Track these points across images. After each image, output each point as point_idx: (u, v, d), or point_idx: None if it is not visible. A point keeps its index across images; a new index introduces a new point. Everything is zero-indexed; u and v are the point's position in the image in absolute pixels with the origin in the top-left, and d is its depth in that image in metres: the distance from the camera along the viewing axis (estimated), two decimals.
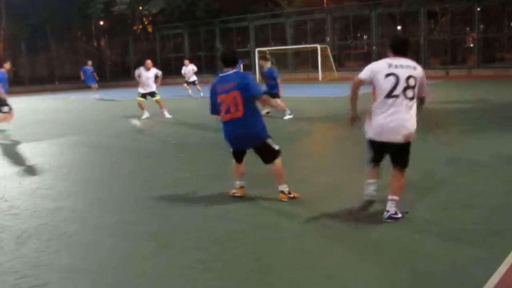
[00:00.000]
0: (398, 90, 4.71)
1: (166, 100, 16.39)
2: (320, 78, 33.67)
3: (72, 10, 42.21)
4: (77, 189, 6.66)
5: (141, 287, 3.67)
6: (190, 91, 24.12)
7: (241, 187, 5.87)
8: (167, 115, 14.74)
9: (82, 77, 25.52)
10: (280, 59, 35.91)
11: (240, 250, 4.26)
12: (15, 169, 8.19)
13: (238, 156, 5.78)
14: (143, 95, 14.72)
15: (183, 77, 24.73)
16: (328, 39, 36.33)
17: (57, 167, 8.29)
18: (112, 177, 7.33)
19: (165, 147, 9.83)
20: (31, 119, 16.59)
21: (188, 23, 41.71)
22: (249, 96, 5.40)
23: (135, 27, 47.73)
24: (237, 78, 5.43)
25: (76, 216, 5.44)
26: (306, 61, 37.41)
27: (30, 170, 8.03)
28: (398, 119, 4.71)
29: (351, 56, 39.69)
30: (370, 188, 5.29)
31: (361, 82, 4.93)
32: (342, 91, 24.27)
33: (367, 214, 5.04)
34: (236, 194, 5.83)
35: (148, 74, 14.71)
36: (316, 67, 34.17)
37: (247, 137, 5.51)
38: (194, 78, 24.51)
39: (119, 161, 8.58)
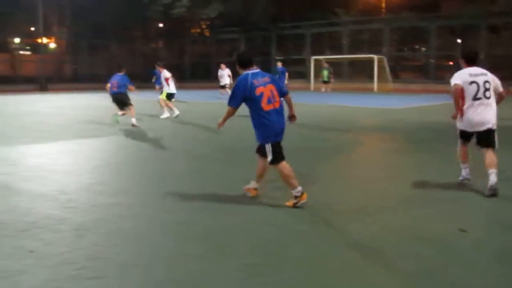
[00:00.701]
0: (480, 94, 6.28)
1: (202, 103, 16.59)
2: (375, 89, 33.36)
3: (133, 12, 43.36)
4: (131, 186, 6.86)
5: (189, 286, 3.78)
6: (222, 96, 24.72)
7: (303, 192, 5.84)
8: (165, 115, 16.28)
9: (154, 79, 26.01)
10: (335, 68, 35.83)
11: (286, 254, 4.31)
12: (73, 164, 8.51)
13: (282, 151, 5.94)
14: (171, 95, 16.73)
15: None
16: (384, 49, 35.94)
17: (113, 164, 8.58)
18: (165, 176, 7.51)
19: (215, 150, 10.00)
20: (90, 115, 17.17)
21: (245, 29, 42.13)
22: (281, 90, 6.00)
23: (192, 31, 48.57)
24: (267, 74, 6.00)
25: (131, 212, 5.61)
26: (361, 71, 37.15)
27: (88, 166, 8.32)
28: (482, 115, 6.32)
29: (407, 68, 39.16)
30: (465, 171, 6.79)
31: (461, 88, 6.27)
32: (397, 102, 24.22)
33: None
34: (302, 200, 5.77)
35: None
36: (371, 77, 33.88)
37: (284, 126, 5.94)
38: (226, 81, 25.08)
39: (171, 161, 8.79)
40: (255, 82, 5.79)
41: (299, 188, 5.77)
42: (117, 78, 14.11)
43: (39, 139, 11.38)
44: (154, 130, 13.11)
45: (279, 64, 26.78)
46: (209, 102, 24.12)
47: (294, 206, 5.75)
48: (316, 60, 36.02)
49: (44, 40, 40.82)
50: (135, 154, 9.68)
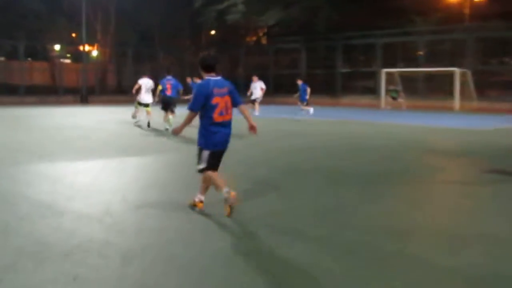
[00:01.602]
0: None
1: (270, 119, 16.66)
2: (456, 107, 32.73)
3: (183, 18, 44.37)
4: (181, 209, 6.97)
5: None
6: (257, 112, 24.97)
7: (201, 201, 6.88)
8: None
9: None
10: (408, 84, 35.41)
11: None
12: (119, 184, 8.74)
13: (218, 161, 6.69)
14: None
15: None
16: (467, 62, 35.25)
17: (161, 185, 8.75)
18: (219, 200, 7.59)
19: (273, 171, 10.03)
20: (135, 130, 17.64)
21: (306, 38, 42.29)
22: (237, 103, 6.71)
23: (248, 39, 49.17)
24: (228, 84, 6.65)
25: (181, 237, 5.72)
26: (440, 87, 36.39)
27: (135, 186, 8.53)
28: None
29: (494, 84, 38.20)
30: None
31: None
32: (483, 123, 23.63)
33: None
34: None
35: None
36: (452, 94, 33.24)
37: (229, 138, 6.70)
38: (256, 95, 25.46)
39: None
40: (215, 90, 6.46)
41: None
42: (172, 81, 14.73)
43: (82, 155, 11.79)
44: None
45: (299, 82, 26.70)
46: (267, 117, 24.34)
47: (192, 206, 6.87)
48: (388, 73, 35.76)
49: (86, 48, 42.30)
50: (185, 174, 9.81)
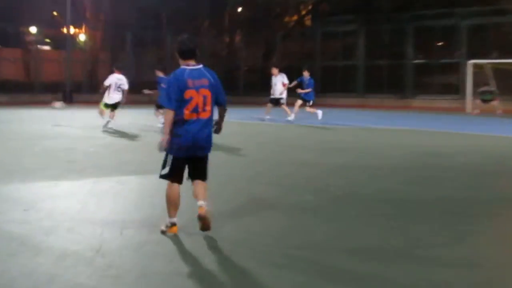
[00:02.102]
0: None
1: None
2: None
3: None
4: (197, 246, 6.94)
5: None
6: (268, 116, 24.99)
7: (175, 224, 7.24)
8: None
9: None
10: (505, 80, 34.87)
11: None
12: (113, 212, 8.72)
13: (181, 171, 7.16)
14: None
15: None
16: None
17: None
18: (238, 235, 7.55)
19: (321, 198, 9.96)
20: (135, 141, 17.81)
21: (365, 17, 42.06)
22: (219, 101, 7.21)
23: (286, 19, 49.18)
24: (210, 77, 7.04)
25: (194, 285, 5.72)
26: None
27: (135, 216, 8.49)
28: None
29: None
30: None
31: None
32: None
33: None
34: (169, 233, 7.17)
35: None
36: None
37: (208, 140, 7.10)
38: (282, 95, 25.33)
39: (259, 213, 8.82)
40: (189, 82, 6.88)
41: (173, 220, 7.16)
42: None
43: (66, 173, 11.80)
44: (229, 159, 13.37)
45: (306, 74, 26.15)
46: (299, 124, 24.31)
47: (162, 233, 7.23)
48: (476, 66, 35.37)
49: (71, 31, 42.61)
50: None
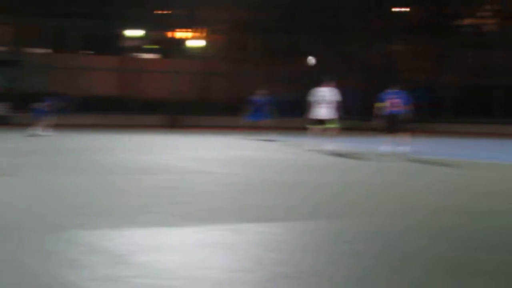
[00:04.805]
0: None
1: None
2: None
3: None
4: None
5: None
6: None
7: None
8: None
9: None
10: None
11: None
12: (231, 270, 8.63)
13: None
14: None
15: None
16: None
17: (307, 275, 8.53)
18: None
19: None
20: (267, 177, 17.93)
21: None
22: None
23: (465, 22, 48.82)
24: None
25: None
26: None
27: (260, 275, 8.38)
28: None
29: None
30: None
31: None
32: None
33: None
34: None
35: None
36: None
37: None
38: None
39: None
40: None
41: None
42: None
43: (171, 218, 11.85)
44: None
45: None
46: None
47: None
48: None
49: (181, 35, 43.41)
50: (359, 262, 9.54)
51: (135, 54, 45.69)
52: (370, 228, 11.06)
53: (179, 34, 42.86)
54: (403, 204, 14.60)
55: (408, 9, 50.47)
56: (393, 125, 23.75)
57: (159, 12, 46.49)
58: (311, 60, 20.59)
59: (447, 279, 8.15)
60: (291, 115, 36.82)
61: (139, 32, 46.50)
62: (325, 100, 26.29)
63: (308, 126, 25.02)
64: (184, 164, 21.05)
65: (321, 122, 24.83)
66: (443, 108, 45.00)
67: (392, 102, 23.20)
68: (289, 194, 15.38)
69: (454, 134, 39.61)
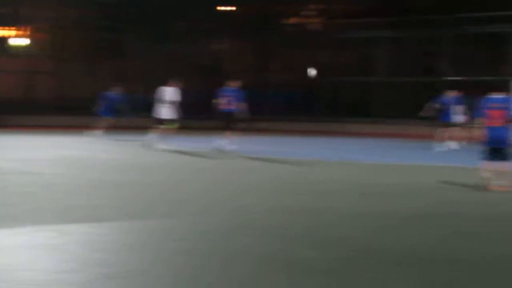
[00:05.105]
0: None
1: None
2: None
3: None
4: None
5: None
6: None
7: None
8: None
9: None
10: None
11: None
12: (53, 271, 8.66)
13: None
14: None
15: None
16: None
17: (124, 276, 8.63)
18: None
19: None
20: (87, 177, 17.96)
21: (392, 21, 42.02)
22: None
23: (291, 21, 49.24)
24: None
25: None
26: None
27: (80, 277, 8.45)
28: None
29: None
30: None
31: None
32: None
33: None
34: None
35: None
36: None
37: None
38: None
39: None
40: None
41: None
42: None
43: None
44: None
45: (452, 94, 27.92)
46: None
47: None
48: None
49: (7, 34, 42.55)
50: (169, 259, 9.66)
51: None
52: (201, 226, 11.32)
53: (1, 32, 41.67)
54: (234, 202, 14.85)
55: (234, 8, 50.35)
56: (228, 123, 24.67)
57: None
58: (312, 71, 20.21)
59: (281, 277, 8.46)
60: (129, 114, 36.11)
61: None
62: (166, 100, 27.19)
63: (152, 125, 25.35)
64: (7, 164, 20.66)
65: (162, 121, 25.69)
66: (269, 107, 45.05)
67: (228, 99, 24.09)
68: (115, 194, 15.55)
69: (282, 133, 39.72)
